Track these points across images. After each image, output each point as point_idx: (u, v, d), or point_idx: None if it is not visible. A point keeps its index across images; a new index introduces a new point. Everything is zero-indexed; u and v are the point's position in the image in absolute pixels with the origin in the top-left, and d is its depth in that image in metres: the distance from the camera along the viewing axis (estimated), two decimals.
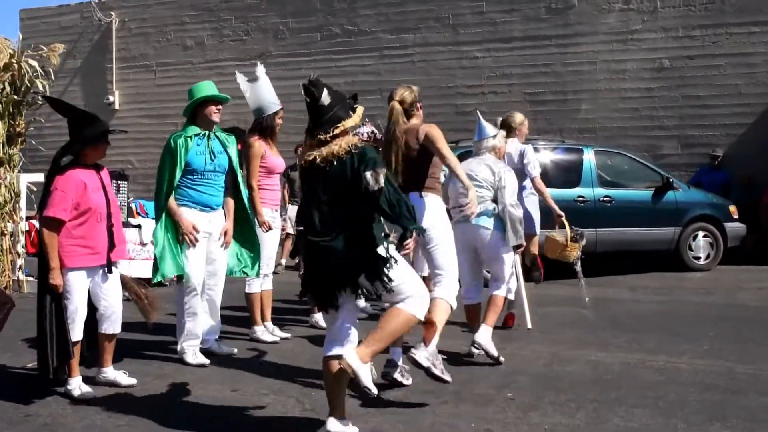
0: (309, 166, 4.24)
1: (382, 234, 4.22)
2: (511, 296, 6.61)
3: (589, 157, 11.11)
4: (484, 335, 6.02)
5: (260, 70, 6.89)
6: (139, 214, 11.28)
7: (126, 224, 10.44)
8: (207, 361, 6.10)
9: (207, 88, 6.18)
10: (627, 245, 11.27)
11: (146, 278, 10.13)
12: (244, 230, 6.45)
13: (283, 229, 7.42)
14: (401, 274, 4.23)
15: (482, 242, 6.20)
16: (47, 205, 5.17)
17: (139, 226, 10.49)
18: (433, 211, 5.36)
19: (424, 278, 5.23)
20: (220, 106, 6.18)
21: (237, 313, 7.81)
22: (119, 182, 10.27)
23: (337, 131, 4.23)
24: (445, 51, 15.02)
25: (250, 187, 6.61)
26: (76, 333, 5.27)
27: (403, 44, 15.30)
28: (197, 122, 6.12)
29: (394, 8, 15.37)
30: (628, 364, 6.02)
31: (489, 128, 6.66)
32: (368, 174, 4.07)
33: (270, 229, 6.76)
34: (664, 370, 5.86)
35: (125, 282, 5.68)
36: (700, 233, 11.46)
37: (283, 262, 11.96)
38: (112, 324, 5.47)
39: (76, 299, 5.24)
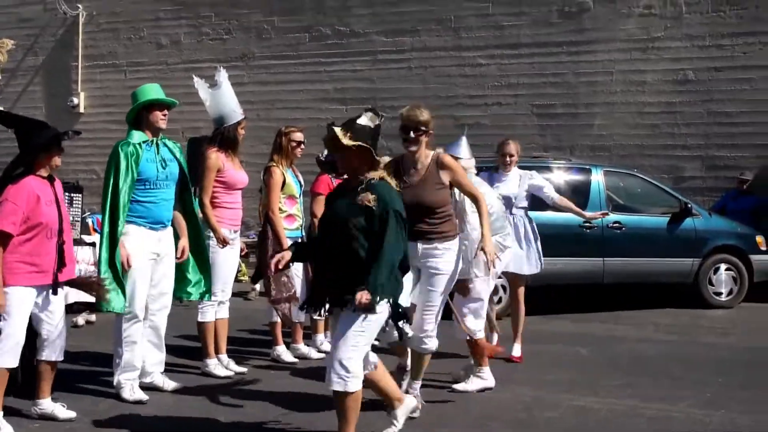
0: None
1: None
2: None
3: (597, 178, 11.11)
4: None
5: (222, 75, 7.00)
6: (95, 230, 11.27)
7: (79, 242, 10.48)
8: (145, 397, 6.12)
9: (152, 91, 6.25)
10: (638, 277, 11.25)
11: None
12: (197, 246, 6.53)
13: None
14: None
15: None
16: None
17: (93, 244, 10.50)
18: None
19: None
20: (166, 111, 6.25)
21: (190, 343, 7.82)
22: (72, 195, 10.25)
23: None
24: (445, 56, 15.07)
25: (202, 204, 6.68)
26: (9, 360, 5.29)
27: (399, 48, 15.37)
28: (142, 129, 6.18)
29: (390, 8, 15.44)
30: (615, 411, 6.03)
31: (466, 151, 6.73)
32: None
33: (226, 244, 6.79)
34: (654, 418, 5.87)
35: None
36: (722, 266, 11.42)
37: (257, 287, 11.95)
38: (54, 351, 5.56)
39: (15, 321, 5.29)
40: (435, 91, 14.93)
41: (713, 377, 7.21)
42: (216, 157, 6.81)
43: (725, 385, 6.96)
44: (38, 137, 5.41)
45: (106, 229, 6.09)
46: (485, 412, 5.97)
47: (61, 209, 5.50)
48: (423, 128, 5.66)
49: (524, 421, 5.79)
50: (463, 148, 6.72)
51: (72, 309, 9.88)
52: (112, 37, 17.62)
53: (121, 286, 6.02)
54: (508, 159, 7.97)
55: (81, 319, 9.45)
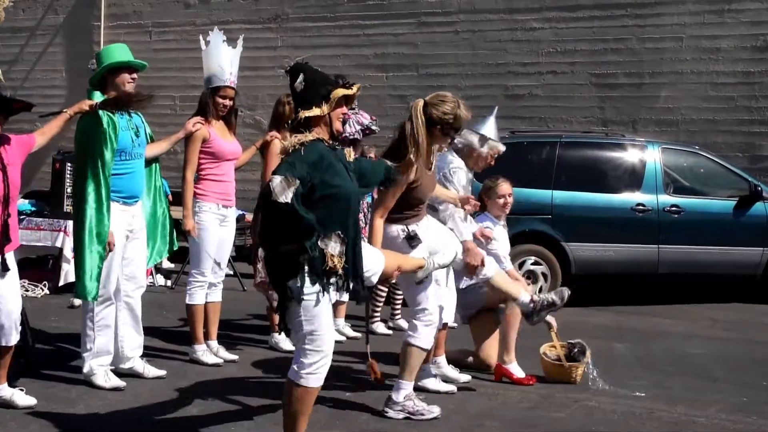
0: None
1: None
2: None
3: (654, 157, 10.98)
4: None
5: (215, 35, 7.01)
6: None
7: (71, 215, 10.73)
8: (122, 384, 6.24)
9: (119, 52, 6.31)
10: (698, 268, 11.05)
11: None
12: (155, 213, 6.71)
13: None
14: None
15: None
16: None
17: None
18: None
19: None
20: (135, 75, 6.31)
21: (181, 327, 7.96)
22: (69, 164, 10.46)
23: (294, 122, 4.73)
24: (495, 20, 14.97)
25: (183, 178, 6.79)
26: None
27: (445, 10, 15.30)
28: (108, 93, 6.22)
29: None
30: (632, 414, 6.00)
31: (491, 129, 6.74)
32: (277, 179, 4.22)
33: (191, 234, 6.89)
34: (674, 423, 5.84)
35: None
36: None
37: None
38: (6, 334, 5.62)
39: None
40: (483, 58, 14.88)
41: (758, 380, 7.12)
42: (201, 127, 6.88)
43: None
44: None
45: (90, 208, 6.02)
46: (486, 409, 5.99)
47: (8, 175, 5.47)
48: None
49: (526, 419, 5.80)
50: (489, 126, 6.75)
51: (71, 289, 10.16)
52: None
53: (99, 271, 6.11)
54: (506, 199, 7.08)
55: (77, 300, 9.63)
